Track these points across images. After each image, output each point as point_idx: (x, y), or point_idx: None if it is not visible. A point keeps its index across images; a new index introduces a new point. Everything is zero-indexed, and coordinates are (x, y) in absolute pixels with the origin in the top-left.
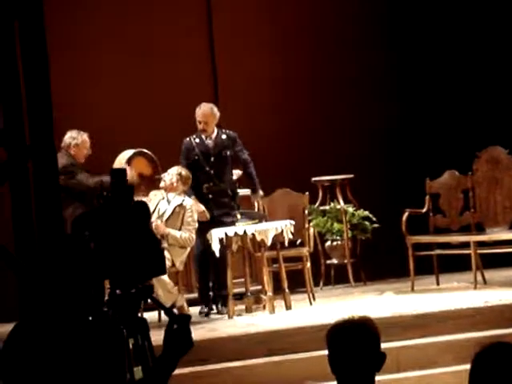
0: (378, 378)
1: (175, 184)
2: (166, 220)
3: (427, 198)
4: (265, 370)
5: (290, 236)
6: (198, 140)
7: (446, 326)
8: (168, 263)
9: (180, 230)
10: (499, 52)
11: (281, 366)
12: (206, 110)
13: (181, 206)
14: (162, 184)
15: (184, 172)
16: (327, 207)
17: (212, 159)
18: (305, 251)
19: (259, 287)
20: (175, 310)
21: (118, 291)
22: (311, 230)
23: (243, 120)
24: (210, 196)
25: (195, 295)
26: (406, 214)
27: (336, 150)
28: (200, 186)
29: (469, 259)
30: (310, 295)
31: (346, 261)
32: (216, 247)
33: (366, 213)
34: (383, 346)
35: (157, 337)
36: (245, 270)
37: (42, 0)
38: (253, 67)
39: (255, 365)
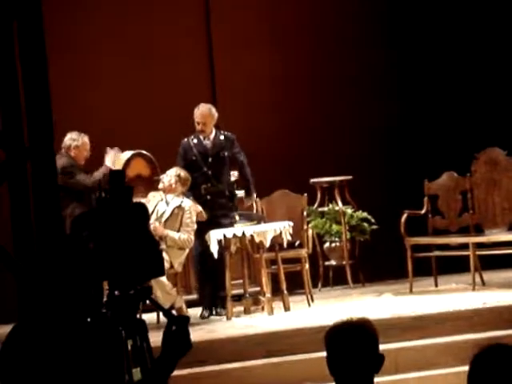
0: (376, 379)
1: (174, 185)
2: (165, 221)
3: (426, 199)
4: (263, 371)
5: (289, 237)
6: (195, 140)
7: (444, 328)
8: (166, 265)
9: (179, 231)
10: (499, 52)
11: (279, 368)
12: (204, 111)
13: (179, 207)
14: (160, 185)
15: (183, 173)
16: (326, 209)
17: (210, 160)
18: (303, 253)
19: (258, 289)
20: (174, 312)
21: (116, 292)
22: (310, 231)
23: (242, 120)
24: (208, 197)
25: (194, 297)
26: (405, 216)
27: (335, 151)
28: (197, 186)
29: (467, 260)
30: (309, 297)
31: (344, 262)
32: (214, 249)
33: (365, 214)
34: (382, 347)
35: (155, 338)
36: (243, 272)
37: (40, 1)
38: (252, 66)
39: (254, 366)
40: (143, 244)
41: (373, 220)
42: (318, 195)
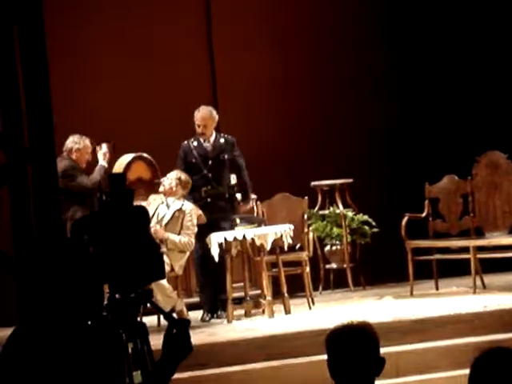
0: (377, 382)
1: (174, 188)
2: (166, 224)
3: (426, 202)
4: (264, 374)
5: (290, 240)
6: (196, 143)
7: (445, 331)
8: (167, 268)
9: (179, 234)
10: (499, 55)
11: (280, 371)
12: (204, 113)
13: (180, 210)
14: (161, 188)
15: (183, 176)
16: (326, 212)
17: (210, 162)
18: (304, 256)
19: (258, 291)
20: (174, 315)
21: (117, 295)
22: (310, 234)
23: (242, 121)
24: (209, 200)
25: (194, 299)
26: (406, 219)
27: (336, 154)
28: (197, 189)
29: (468, 264)
30: (309, 300)
31: (345, 265)
32: (215, 252)
33: (366, 217)
34: (382, 350)
35: (156, 341)
36: (244, 275)
37: (41, 5)
38: (252, 68)
39: (254, 369)
40: (144, 247)
41: (374, 223)
42: (319, 198)
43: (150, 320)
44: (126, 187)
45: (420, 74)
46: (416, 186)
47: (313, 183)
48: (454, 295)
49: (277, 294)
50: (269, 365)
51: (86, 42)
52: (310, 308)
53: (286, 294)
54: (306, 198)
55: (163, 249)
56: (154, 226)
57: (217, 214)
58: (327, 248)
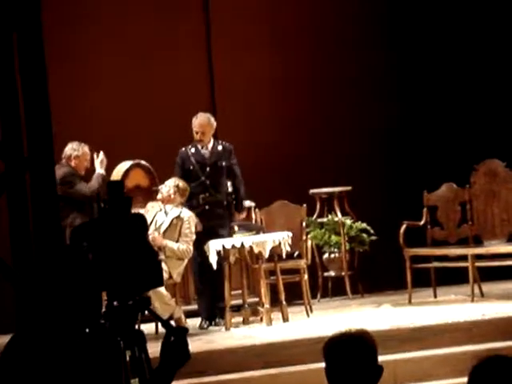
0: None
1: (172, 196)
2: (164, 232)
3: (425, 210)
4: (262, 382)
5: (288, 248)
6: (193, 150)
7: (443, 339)
8: (165, 275)
9: (177, 241)
10: (500, 58)
11: (278, 379)
12: (202, 120)
13: (178, 217)
14: (159, 196)
15: (181, 184)
16: (325, 219)
17: (208, 169)
18: (302, 263)
19: (256, 299)
20: (172, 322)
21: (115, 303)
22: (309, 242)
23: (242, 122)
24: (206, 207)
25: (193, 307)
26: (404, 227)
27: (335, 162)
28: (195, 196)
29: (466, 272)
30: (308, 307)
31: (343, 273)
32: (213, 259)
33: (364, 225)
34: (380, 358)
35: (154, 349)
36: (242, 282)
37: (40, 12)
38: (252, 68)
39: (252, 377)
40: (142, 254)
41: (372, 231)
42: (318, 206)
43: (147, 327)
44: (124, 195)
45: (420, 75)
46: (414, 193)
47: (311, 191)
48: (452, 303)
49: (275, 302)
50: (267, 372)
51: (84, 48)
52: (308, 316)
53: (284, 302)
54: (305, 205)
55: (161, 256)
56: (152, 234)
57: (215, 222)
58: (325, 256)
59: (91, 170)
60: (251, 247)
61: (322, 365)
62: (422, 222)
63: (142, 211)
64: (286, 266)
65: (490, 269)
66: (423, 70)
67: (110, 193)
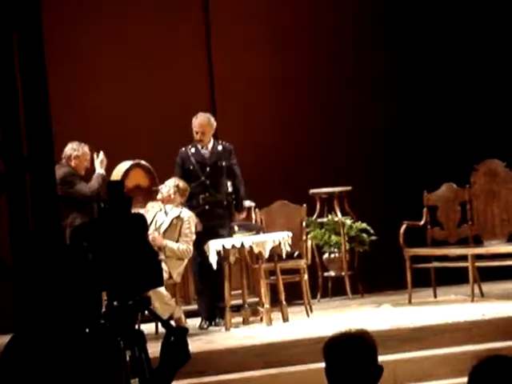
0: None
1: (172, 196)
2: (164, 232)
3: (425, 210)
4: (262, 382)
5: (288, 248)
6: (193, 150)
7: (443, 339)
8: (165, 275)
9: (177, 241)
10: (500, 59)
11: (278, 379)
12: (202, 120)
13: (178, 217)
14: (159, 196)
15: (181, 184)
16: (325, 219)
17: (208, 169)
18: (302, 263)
19: (256, 299)
20: (172, 322)
21: (115, 303)
22: (309, 242)
23: (241, 123)
24: (207, 207)
25: (193, 307)
26: (404, 227)
27: (335, 162)
28: (195, 196)
29: (466, 272)
30: (308, 307)
31: (343, 273)
32: (213, 259)
33: (364, 225)
34: (380, 358)
35: (154, 349)
36: (242, 282)
37: (39, 13)
38: (252, 68)
39: (252, 377)
40: (142, 255)
41: (372, 231)
42: (318, 206)
43: (147, 327)
44: (124, 195)
45: (420, 75)
46: (414, 193)
47: (311, 191)
48: (452, 303)
49: (275, 302)
50: (267, 372)
51: (83, 48)
52: (308, 316)
53: (284, 302)
54: (305, 205)
55: (161, 256)
56: (152, 234)
57: (215, 222)
58: (325, 256)
59: (91, 169)
60: (251, 247)
61: (322, 365)
62: (422, 222)
63: (142, 211)
64: (286, 266)
65: (490, 269)
66: (423, 70)
67: (110, 193)
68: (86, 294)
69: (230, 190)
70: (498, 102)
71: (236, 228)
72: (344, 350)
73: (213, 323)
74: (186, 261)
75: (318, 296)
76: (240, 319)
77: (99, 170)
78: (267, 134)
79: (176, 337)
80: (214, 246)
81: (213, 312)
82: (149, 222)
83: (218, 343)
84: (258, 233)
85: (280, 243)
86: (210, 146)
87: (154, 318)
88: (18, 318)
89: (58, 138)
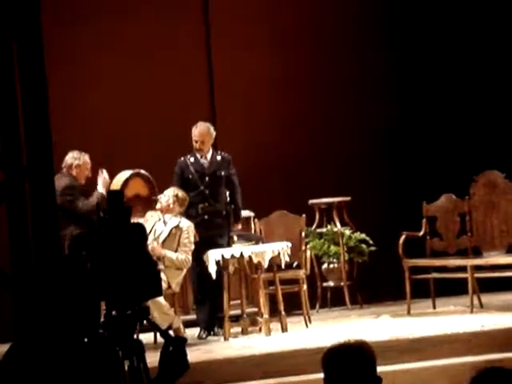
0: None
1: (171, 205)
2: (163, 242)
3: (424, 221)
4: None
5: (287, 258)
6: (192, 159)
7: (442, 350)
8: (164, 285)
9: (176, 251)
10: (500, 64)
11: None
12: (202, 129)
13: (177, 227)
14: (158, 205)
15: (180, 193)
16: (324, 230)
17: (207, 179)
18: (301, 273)
19: (255, 309)
20: (171, 332)
21: (113, 313)
22: (308, 252)
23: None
24: (206, 217)
25: (191, 317)
26: (403, 237)
27: (335, 173)
28: (194, 206)
29: (465, 283)
30: (307, 318)
31: (342, 283)
32: (212, 269)
33: (363, 235)
34: (379, 369)
35: (152, 359)
36: (241, 292)
37: (39, 22)
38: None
39: None
40: (141, 264)
41: (371, 241)
42: (317, 216)
43: (146, 337)
44: (123, 204)
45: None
46: (414, 204)
47: (310, 201)
48: (451, 314)
49: (274, 312)
50: (265, 383)
51: (83, 51)
52: (306, 326)
53: (283, 312)
54: (304, 215)
55: (160, 266)
56: (151, 243)
57: (214, 231)
58: (324, 266)
59: (92, 178)
60: (250, 257)
61: (321, 375)
62: (421, 233)
63: (141, 220)
64: (285, 276)
65: (490, 280)
66: (423, 70)
67: (110, 202)
68: (84, 304)
69: (228, 199)
70: (498, 113)
71: (235, 238)
72: (343, 361)
73: (211, 333)
74: (184, 271)
75: (317, 306)
76: (239, 329)
77: (100, 189)
78: (267, 134)
79: (175, 347)
80: (213, 256)
81: (212, 322)
82: (148, 231)
83: (217, 353)
84: (257, 243)
85: (279, 253)
86: (209, 155)
87: (153, 327)
88: (17, 328)
89: (57, 147)
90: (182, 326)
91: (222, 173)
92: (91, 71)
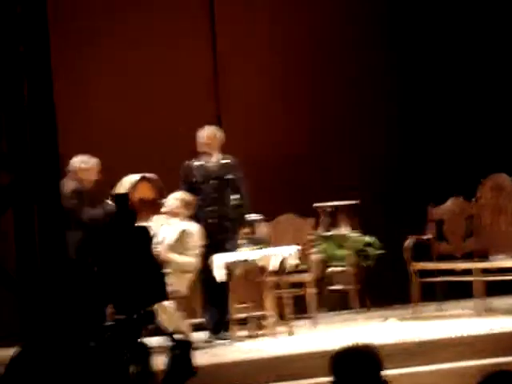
0: None
1: (178, 209)
2: (169, 245)
3: (431, 224)
4: None
5: (294, 262)
6: (198, 163)
7: (449, 354)
8: (171, 288)
9: (183, 255)
10: (506, 63)
11: None
12: (209, 133)
13: (184, 231)
14: (165, 209)
15: (187, 197)
16: (330, 233)
17: (214, 182)
18: (308, 277)
19: (262, 313)
20: (178, 336)
21: (120, 316)
22: (315, 255)
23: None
24: (212, 220)
25: (198, 320)
26: (411, 241)
27: (340, 176)
28: (201, 209)
29: (472, 286)
30: (313, 321)
31: (349, 287)
32: (218, 273)
33: (369, 239)
34: (386, 372)
35: (158, 362)
36: (248, 296)
37: (47, 25)
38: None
39: None
40: (146, 268)
41: (378, 245)
42: (322, 219)
43: (152, 341)
44: (128, 208)
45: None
46: (420, 207)
47: (316, 205)
48: (458, 318)
49: (281, 316)
50: None
51: (88, 56)
52: (313, 329)
53: (290, 316)
54: (311, 219)
55: (167, 270)
56: (157, 247)
57: (221, 235)
58: (331, 269)
59: (101, 181)
60: (257, 261)
61: (328, 379)
62: (428, 236)
63: (147, 224)
64: (292, 279)
65: (497, 283)
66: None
67: (117, 206)
68: (90, 308)
69: (235, 203)
70: (504, 114)
71: (242, 241)
72: (350, 365)
73: (219, 336)
74: (191, 274)
75: (324, 310)
76: (246, 332)
77: (111, 203)
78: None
79: (181, 350)
80: (219, 260)
81: (219, 325)
82: (154, 235)
83: (224, 356)
84: (264, 246)
85: (286, 257)
86: (216, 159)
87: (159, 331)
88: (23, 332)
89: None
90: (188, 330)
91: (229, 176)
92: (95, 74)
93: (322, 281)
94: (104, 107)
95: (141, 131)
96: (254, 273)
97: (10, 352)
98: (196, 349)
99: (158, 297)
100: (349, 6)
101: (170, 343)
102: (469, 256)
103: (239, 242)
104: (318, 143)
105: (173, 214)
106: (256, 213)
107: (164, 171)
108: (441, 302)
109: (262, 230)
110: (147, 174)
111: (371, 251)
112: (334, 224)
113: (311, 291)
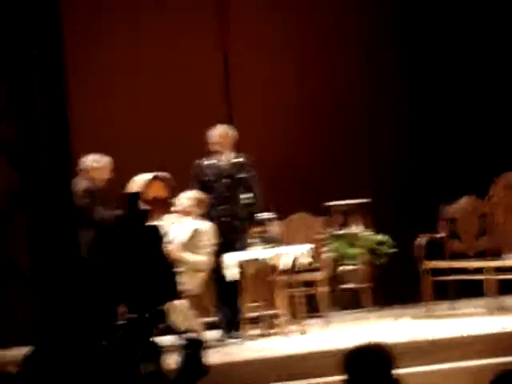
0: None
1: (190, 208)
2: (182, 244)
3: (444, 223)
4: None
5: (307, 260)
6: (210, 162)
7: (461, 352)
8: (183, 287)
9: (196, 253)
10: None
11: None
12: (221, 132)
13: (196, 229)
14: (177, 208)
15: (199, 195)
16: (342, 232)
17: (226, 181)
18: (320, 276)
19: (274, 311)
20: (190, 335)
21: (132, 316)
22: (327, 254)
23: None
24: (224, 219)
25: (210, 319)
26: (423, 239)
27: (351, 175)
28: (213, 208)
29: (485, 285)
30: (326, 320)
31: (361, 285)
32: (229, 272)
33: (381, 238)
34: (398, 371)
35: (170, 361)
36: (260, 295)
37: (60, 28)
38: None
39: None
40: (158, 267)
41: (390, 243)
42: (335, 218)
43: (164, 340)
44: (139, 207)
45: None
46: (432, 206)
47: (328, 203)
48: (470, 316)
49: (293, 314)
50: None
51: (100, 54)
52: (325, 328)
53: (302, 314)
54: (323, 218)
55: (179, 268)
56: (169, 246)
57: (232, 234)
58: (343, 268)
59: (113, 179)
60: (269, 260)
61: (341, 377)
62: (440, 235)
63: (160, 223)
64: (304, 278)
65: (509, 282)
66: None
67: (129, 204)
68: (102, 307)
69: (247, 202)
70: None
71: (254, 240)
72: (362, 363)
73: (231, 335)
74: (204, 273)
75: (336, 308)
76: (258, 331)
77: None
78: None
79: (193, 349)
80: (231, 259)
81: (231, 324)
82: (166, 234)
83: (236, 355)
84: (276, 245)
85: (299, 256)
86: (228, 157)
87: (171, 330)
88: (36, 331)
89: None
90: (200, 329)
91: (241, 175)
92: (107, 74)
93: (334, 279)
94: (116, 107)
95: (152, 131)
96: (265, 271)
97: (23, 351)
98: (208, 347)
99: (170, 296)
100: (359, 6)
101: (182, 342)
102: (481, 254)
103: (250, 240)
104: (330, 142)
105: (185, 212)
106: (270, 211)
107: (176, 171)
108: (453, 301)
109: (274, 228)
110: (159, 173)
111: (384, 249)
112: (345, 223)
113: (323, 290)
